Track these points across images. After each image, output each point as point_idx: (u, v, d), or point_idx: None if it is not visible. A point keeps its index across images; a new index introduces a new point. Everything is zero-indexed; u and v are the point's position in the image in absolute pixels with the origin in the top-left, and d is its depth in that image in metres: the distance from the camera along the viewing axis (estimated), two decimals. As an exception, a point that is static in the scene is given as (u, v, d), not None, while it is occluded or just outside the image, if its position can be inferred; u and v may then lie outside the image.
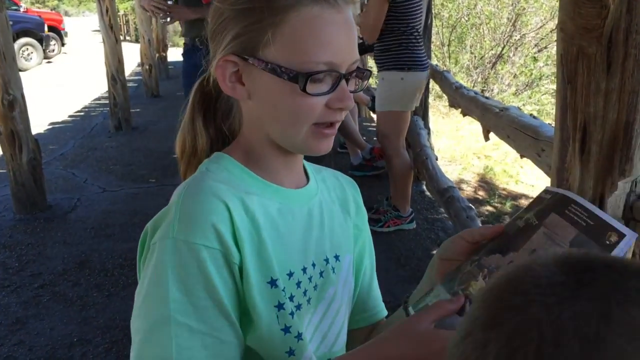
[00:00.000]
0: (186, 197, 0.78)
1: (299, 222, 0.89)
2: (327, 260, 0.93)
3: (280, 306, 0.82)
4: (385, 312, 1.11)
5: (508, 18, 11.14)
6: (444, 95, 5.61)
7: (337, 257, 0.96)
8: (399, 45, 3.40)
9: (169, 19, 3.60)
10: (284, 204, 0.88)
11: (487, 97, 2.84)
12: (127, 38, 25.29)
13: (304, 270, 0.88)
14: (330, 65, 0.79)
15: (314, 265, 0.90)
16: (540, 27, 11.05)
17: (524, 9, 10.98)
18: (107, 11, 6.93)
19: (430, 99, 5.96)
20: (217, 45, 0.84)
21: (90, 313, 2.87)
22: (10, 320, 2.82)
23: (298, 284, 0.86)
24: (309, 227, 0.91)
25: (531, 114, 2.10)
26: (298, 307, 0.86)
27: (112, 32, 7.07)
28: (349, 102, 0.82)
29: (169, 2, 3.64)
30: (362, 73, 0.88)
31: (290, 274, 0.85)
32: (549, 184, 1.45)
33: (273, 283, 0.81)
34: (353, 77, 0.85)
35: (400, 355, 0.73)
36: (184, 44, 3.86)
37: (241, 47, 0.81)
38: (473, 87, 10.76)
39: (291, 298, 0.84)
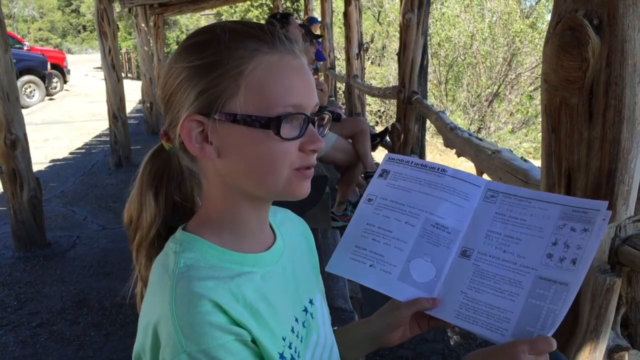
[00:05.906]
0: (178, 309, 0.75)
1: (279, 283, 0.89)
2: (305, 310, 0.94)
3: None
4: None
5: (504, 57, 11.33)
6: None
7: (311, 302, 0.97)
8: None
9: None
10: (265, 270, 0.87)
11: (480, 139, 2.89)
12: (129, 75, 25.58)
13: (293, 330, 0.88)
14: (296, 108, 0.80)
15: (297, 320, 0.90)
16: (536, 66, 11.23)
17: (519, 49, 11.18)
18: (109, 51, 7.06)
19: (428, 137, 6.03)
20: (177, 107, 0.82)
21: (87, 353, 2.87)
22: (8, 360, 2.83)
23: (290, 345, 0.85)
24: (286, 284, 0.91)
25: (522, 157, 2.15)
26: None
27: (114, 71, 7.19)
28: (320, 144, 0.84)
29: None
30: (323, 117, 0.89)
31: (284, 339, 0.85)
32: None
33: (282, 357, 0.82)
34: (317, 120, 0.86)
35: None
36: None
37: (205, 104, 0.79)
38: (470, 124, 10.87)
39: None
